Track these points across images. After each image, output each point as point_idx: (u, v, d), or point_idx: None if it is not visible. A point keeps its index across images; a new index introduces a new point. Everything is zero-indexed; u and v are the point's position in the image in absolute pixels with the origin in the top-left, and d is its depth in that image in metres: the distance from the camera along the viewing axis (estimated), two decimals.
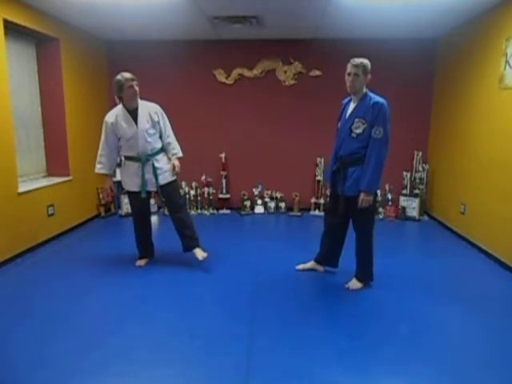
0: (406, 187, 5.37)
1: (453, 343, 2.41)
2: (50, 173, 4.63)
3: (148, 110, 3.30)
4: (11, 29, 3.78)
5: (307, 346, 2.35)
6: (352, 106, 2.99)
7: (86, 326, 2.56)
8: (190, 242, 3.46)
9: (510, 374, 2.14)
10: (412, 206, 5.27)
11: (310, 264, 3.45)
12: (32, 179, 4.32)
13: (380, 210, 5.34)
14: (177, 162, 3.41)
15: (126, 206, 5.37)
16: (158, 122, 3.34)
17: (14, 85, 3.93)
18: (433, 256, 3.96)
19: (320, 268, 3.43)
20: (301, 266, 3.47)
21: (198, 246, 3.47)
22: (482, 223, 4.00)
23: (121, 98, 3.22)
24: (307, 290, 3.14)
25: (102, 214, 5.30)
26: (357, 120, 2.89)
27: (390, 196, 5.33)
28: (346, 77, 2.91)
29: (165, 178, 3.37)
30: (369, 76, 2.93)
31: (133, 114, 3.24)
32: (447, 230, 4.77)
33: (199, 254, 3.43)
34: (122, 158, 3.43)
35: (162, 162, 3.37)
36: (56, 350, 2.30)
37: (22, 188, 3.82)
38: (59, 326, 2.56)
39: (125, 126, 3.23)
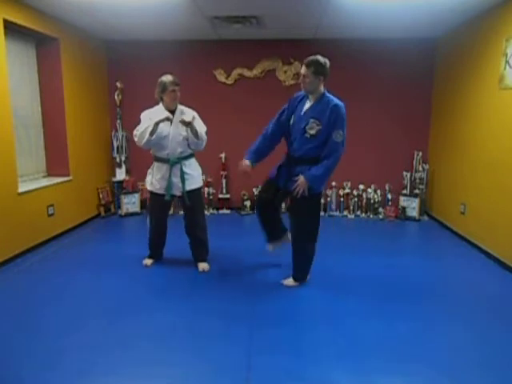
0: (406, 187, 5.37)
1: (452, 343, 2.41)
2: (50, 173, 4.63)
3: (184, 114, 3.33)
4: (11, 29, 3.78)
5: (307, 345, 2.35)
6: (308, 104, 2.92)
7: (86, 326, 2.56)
8: (199, 256, 3.55)
9: (510, 374, 2.14)
10: (412, 206, 5.27)
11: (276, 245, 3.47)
12: (32, 179, 4.32)
13: (380, 209, 5.34)
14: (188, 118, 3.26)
15: (125, 205, 5.37)
16: None
17: (14, 85, 3.93)
18: (433, 256, 3.96)
19: (280, 242, 3.45)
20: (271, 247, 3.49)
21: (204, 260, 3.55)
22: (482, 223, 4.00)
23: (162, 99, 3.30)
24: (307, 290, 3.13)
25: (102, 213, 5.30)
26: (312, 121, 2.83)
27: (389, 196, 5.34)
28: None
29: (191, 183, 3.39)
30: (321, 78, 2.79)
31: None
32: (447, 229, 4.77)
33: (201, 266, 3.51)
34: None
35: (190, 167, 3.40)
36: (56, 350, 2.30)
37: (22, 188, 3.82)
38: (59, 327, 2.55)
39: (161, 124, 3.27)
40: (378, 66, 5.28)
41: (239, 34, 4.97)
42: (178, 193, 3.38)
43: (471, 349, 2.35)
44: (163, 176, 3.35)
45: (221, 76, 5.49)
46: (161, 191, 3.38)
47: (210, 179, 5.52)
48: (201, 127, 3.37)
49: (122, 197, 5.37)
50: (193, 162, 3.45)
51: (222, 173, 5.57)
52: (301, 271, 3.14)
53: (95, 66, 5.24)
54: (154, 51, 5.40)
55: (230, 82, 5.49)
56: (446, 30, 4.79)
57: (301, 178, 2.85)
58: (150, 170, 3.48)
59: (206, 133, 3.51)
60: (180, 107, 3.37)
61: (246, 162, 3.08)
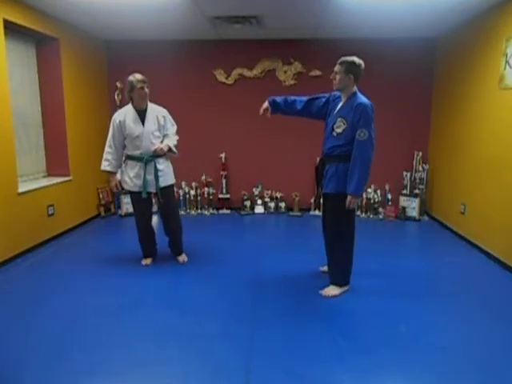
0: (406, 187, 5.37)
1: (452, 344, 2.40)
2: (50, 173, 4.63)
3: (156, 113, 3.40)
4: (11, 29, 3.78)
5: (307, 346, 2.35)
6: (340, 104, 2.95)
7: (86, 326, 2.56)
8: (176, 250, 3.69)
9: (510, 373, 2.14)
10: (412, 206, 5.27)
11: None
12: (32, 179, 4.32)
13: (380, 209, 5.34)
14: (164, 146, 3.35)
15: (125, 205, 5.37)
16: (164, 126, 3.44)
17: (14, 85, 3.93)
18: (433, 256, 3.96)
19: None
20: (324, 268, 3.31)
21: (181, 253, 3.70)
22: (482, 223, 4.00)
23: (131, 98, 3.32)
24: (307, 291, 3.13)
25: (102, 213, 5.30)
26: (339, 119, 2.86)
27: (389, 196, 5.34)
28: None
29: (165, 180, 3.44)
30: (351, 76, 2.80)
31: (141, 114, 3.34)
32: (447, 230, 4.77)
33: (181, 258, 3.67)
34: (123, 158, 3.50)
35: (163, 164, 3.45)
36: (56, 350, 2.30)
37: (22, 188, 3.82)
38: (59, 327, 2.55)
39: (132, 125, 3.31)
40: (377, 66, 5.28)
41: (239, 34, 4.97)
42: (152, 190, 3.42)
43: (472, 349, 2.35)
44: (137, 174, 3.37)
45: (221, 76, 5.49)
46: (135, 189, 3.41)
47: (210, 179, 5.53)
48: (171, 140, 3.45)
49: (122, 197, 5.36)
50: (165, 159, 3.48)
51: (222, 173, 5.57)
52: (342, 274, 3.01)
53: (95, 65, 5.23)
54: (154, 51, 5.40)
55: (230, 82, 5.49)
56: (446, 29, 4.79)
57: (348, 199, 2.82)
58: (121, 169, 3.49)
59: (177, 132, 3.56)
60: (151, 105, 3.40)
61: (267, 105, 3.25)
